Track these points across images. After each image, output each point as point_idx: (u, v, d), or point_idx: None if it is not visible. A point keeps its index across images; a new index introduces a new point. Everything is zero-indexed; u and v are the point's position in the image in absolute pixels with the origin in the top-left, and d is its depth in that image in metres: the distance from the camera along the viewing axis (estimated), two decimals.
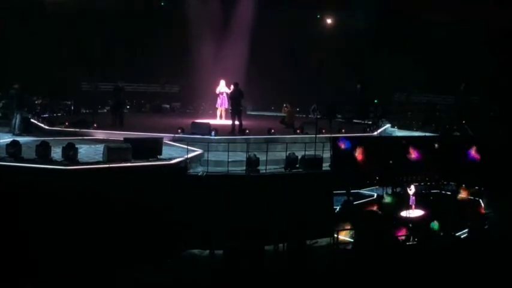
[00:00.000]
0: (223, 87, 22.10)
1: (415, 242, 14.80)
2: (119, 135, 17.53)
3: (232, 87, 20.14)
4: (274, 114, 26.28)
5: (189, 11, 27.55)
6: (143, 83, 28.38)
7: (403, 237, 14.75)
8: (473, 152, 17.14)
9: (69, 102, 24.29)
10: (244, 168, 15.55)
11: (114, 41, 26.51)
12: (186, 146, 15.68)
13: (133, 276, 12.37)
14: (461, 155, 16.90)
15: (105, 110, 25.76)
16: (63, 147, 14.45)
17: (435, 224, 15.61)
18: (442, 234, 15.31)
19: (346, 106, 25.51)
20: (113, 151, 14.49)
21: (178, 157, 15.30)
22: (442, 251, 13.29)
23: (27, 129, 18.64)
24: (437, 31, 25.78)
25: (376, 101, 26.06)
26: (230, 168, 15.51)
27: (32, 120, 19.67)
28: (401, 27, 26.26)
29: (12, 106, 18.86)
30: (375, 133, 21.13)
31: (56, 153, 14.61)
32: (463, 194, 16.18)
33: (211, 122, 20.05)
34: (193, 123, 19.18)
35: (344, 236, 14.82)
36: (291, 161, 15.98)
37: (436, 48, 25.46)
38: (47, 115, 21.84)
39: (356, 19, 26.95)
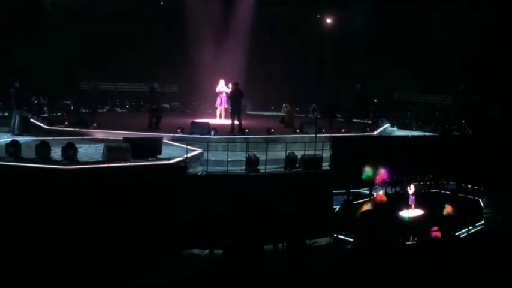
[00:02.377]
0: (222, 87, 22.05)
1: (414, 242, 14.80)
2: (118, 134, 17.52)
3: (231, 86, 20.11)
4: (274, 113, 26.22)
5: (189, 9, 27.55)
6: (143, 83, 28.31)
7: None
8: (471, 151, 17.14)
9: (69, 102, 24.27)
10: (244, 167, 15.54)
11: (114, 40, 26.48)
12: (185, 146, 15.69)
13: (133, 276, 12.36)
14: (460, 155, 16.89)
15: (105, 110, 25.82)
16: (62, 147, 14.47)
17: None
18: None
19: (347, 105, 25.50)
20: (112, 151, 14.52)
21: (178, 157, 15.31)
22: (441, 250, 13.30)
23: (27, 129, 18.64)
24: (437, 30, 25.76)
25: (375, 100, 26.04)
26: (230, 168, 15.53)
27: (31, 120, 19.68)
28: (400, 26, 26.23)
29: (11, 106, 18.88)
30: (375, 132, 21.14)
31: (56, 152, 14.61)
32: (448, 209, 16.07)
33: (211, 121, 20.05)
34: (193, 122, 19.18)
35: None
36: (290, 160, 15.96)
37: (435, 48, 25.42)
38: (46, 115, 21.83)
39: (355, 18, 26.92)
